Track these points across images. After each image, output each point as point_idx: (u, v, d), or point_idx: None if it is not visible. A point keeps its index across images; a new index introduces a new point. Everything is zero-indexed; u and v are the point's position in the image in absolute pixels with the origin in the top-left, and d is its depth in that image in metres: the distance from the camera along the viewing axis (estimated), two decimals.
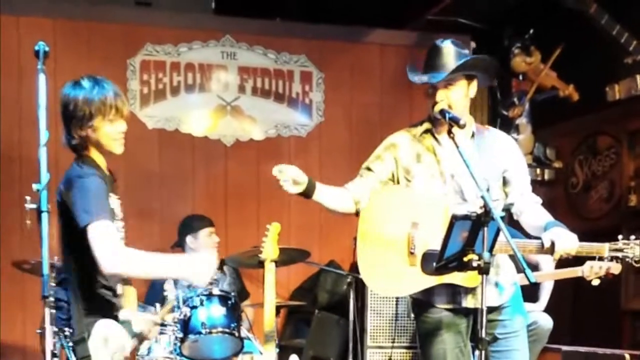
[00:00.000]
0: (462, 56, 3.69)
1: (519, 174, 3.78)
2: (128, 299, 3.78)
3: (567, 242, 3.47)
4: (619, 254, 3.55)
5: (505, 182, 3.75)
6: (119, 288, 3.70)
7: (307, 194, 3.75)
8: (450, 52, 3.68)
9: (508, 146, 3.82)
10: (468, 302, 3.66)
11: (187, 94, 6.90)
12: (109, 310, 3.65)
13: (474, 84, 3.73)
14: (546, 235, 3.51)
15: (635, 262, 3.55)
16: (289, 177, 3.70)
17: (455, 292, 3.67)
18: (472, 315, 3.69)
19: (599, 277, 4.87)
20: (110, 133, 3.55)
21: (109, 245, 3.30)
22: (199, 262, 3.47)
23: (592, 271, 4.85)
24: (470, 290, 3.63)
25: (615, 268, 4.80)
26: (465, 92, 3.71)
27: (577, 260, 3.93)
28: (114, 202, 3.63)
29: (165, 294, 4.61)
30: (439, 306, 3.70)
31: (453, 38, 3.81)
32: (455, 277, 3.53)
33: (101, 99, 3.50)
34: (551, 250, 3.47)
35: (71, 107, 3.50)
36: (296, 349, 5.70)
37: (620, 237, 3.57)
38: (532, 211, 3.72)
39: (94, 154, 3.61)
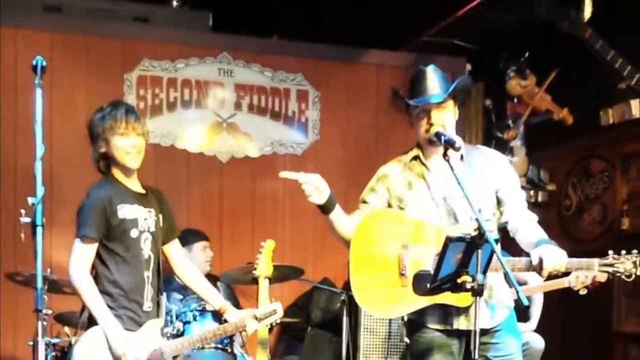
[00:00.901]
0: (446, 78, 3.73)
1: (512, 192, 3.75)
2: (160, 309, 4.00)
3: (556, 258, 3.43)
4: (609, 269, 3.49)
5: (499, 202, 3.73)
6: (148, 302, 3.89)
7: (328, 207, 3.67)
8: (436, 76, 3.71)
9: (499, 165, 3.79)
10: (460, 323, 3.65)
11: (183, 110, 6.92)
12: (123, 324, 3.78)
13: (457, 105, 3.76)
14: (535, 252, 3.48)
15: (627, 277, 3.49)
16: (314, 184, 3.62)
17: (447, 314, 3.66)
18: (464, 337, 3.68)
19: (586, 287, 4.89)
20: (121, 146, 3.81)
21: (75, 264, 3.76)
22: (119, 343, 3.71)
23: (578, 281, 4.85)
24: (463, 312, 3.62)
25: (602, 276, 4.79)
26: (453, 114, 3.74)
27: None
28: (137, 213, 3.87)
29: None
30: (431, 326, 3.69)
31: (448, 60, 3.84)
32: (447, 297, 3.52)
33: (112, 115, 3.79)
34: (539, 267, 3.44)
35: (90, 127, 3.84)
36: None
37: (610, 252, 3.51)
38: (527, 229, 3.69)
39: (117, 172, 3.89)
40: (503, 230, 3.77)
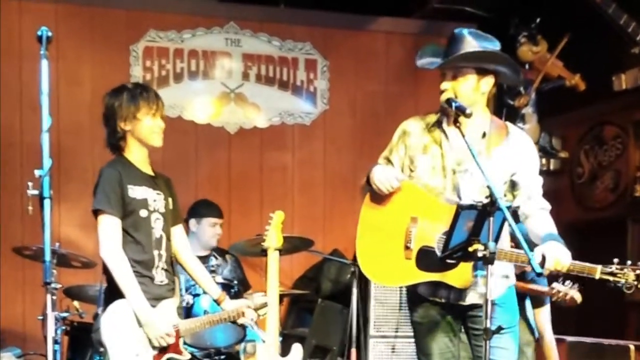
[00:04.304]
0: (476, 45, 3.58)
1: (528, 177, 3.67)
2: (175, 288, 4.09)
3: (559, 258, 3.36)
4: (610, 278, 3.38)
5: (513, 185, 3.67)
6: (160, 276, 3.98)
7: None
8: (462, 42, 3.58)
9: (522, 148, 3.69)
10: (452, 297, 3.65)
11: (190, 81, 6.88)
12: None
13: (488, 79, 3.62)
14: (539, 249, 3.41)
15: (627, 289, 3.39)
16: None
17: (437, 286, 3.64)
18: (458, 311, 3.69)
19: (559, 299, 4.90)
20: (151, 126, 3.94)
21: (107, 241, 3.83)
22: (152, 322, 3.84)
23: (553, 291, 4.86)
24: (453, 287, 3.61)
25: (578, 297, 4.89)
26: (474, 86, 3.60)
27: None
28: (147, 194, 3.95)
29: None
30: (424, 296, 3.69)
31: (458, 26, 3.74)
32: (447, 277, 3.53)
33: (144, 96, 3.94)
34: (541, 264, 3.35)
35: (116, 105, 3.91)
36: (299, 338, 5.68)
37: (615, 260, 3.41)
38: (537, 218, 3.63)
39: (131, 153, 3.97)
40: (514, 214, 3.70)
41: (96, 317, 4.02)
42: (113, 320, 3.83)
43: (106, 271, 3.88)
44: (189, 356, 4.04)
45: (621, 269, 3.39)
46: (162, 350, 3.91)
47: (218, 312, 4.24)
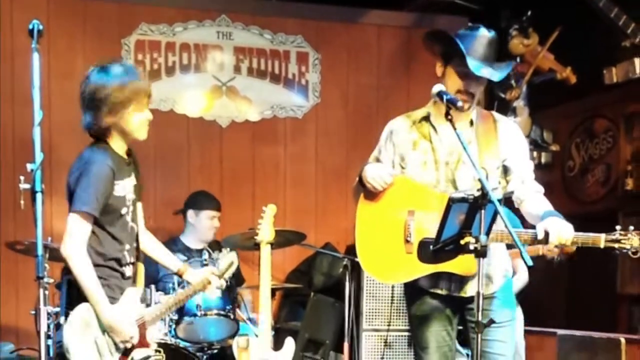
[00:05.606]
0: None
1: (519, 162, 3.71)
2: (139, 277, 3.89)
3: (562, 231, 3.38)
4: (616, 245, 3.42)
5: (505, 171, 3.70)
6: (129, 270, 3.79)
7: None
8: (493, 44, 3.68)
9: (510, 134, 3.74)
10: (452, 289, 3.67)
11: (182, 74, 6.87)
12: (112, 293, 3.70)
13: None
14: (540, 225, 3.44)
15: (632, 253, 3.42)
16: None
17: (438, 278, 3.66)
18: (457, 302, 3.70)
19: (557, 254, 4.92)
20: (140, 120, 3.65)
21: (72, 240, 3.56)
22: (117, 327, 3.62)
23: (549, 248, 4.86)
24: (455, 279, 3.63)
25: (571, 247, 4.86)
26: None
27: None
28: (127, 185, 3.71)
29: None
30: (424, 288, 3.70)
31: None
32: (451, 266, 3.53)
33: (135, 86, 3.60)
34: (545, 240, 3.40)
35: (102, 95, 3.56)
36: (292, 332, 5.69)
37: (618, 227, 3.45)
38: (532, 200, 3.66)
39: (114, 140, 3.69)
40: (508, 201, 3.73)
41: (59, 327, 3.77)
42: (76, 329, 3.61)
43: (68, 272, 3.66)
44: (155, 346, 3.86)
45: (625, 235, 3.43)
46: (127, 350, 3.72)
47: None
